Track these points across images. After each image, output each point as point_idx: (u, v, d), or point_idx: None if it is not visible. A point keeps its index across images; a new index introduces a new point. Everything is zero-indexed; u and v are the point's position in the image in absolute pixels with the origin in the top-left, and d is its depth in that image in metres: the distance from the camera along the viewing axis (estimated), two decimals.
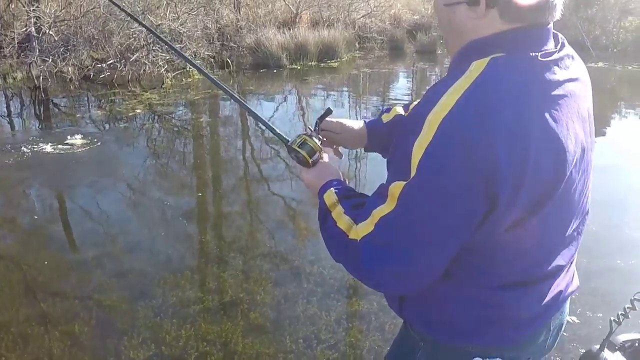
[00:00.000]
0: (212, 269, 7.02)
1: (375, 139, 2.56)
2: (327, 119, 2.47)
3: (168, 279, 6.68)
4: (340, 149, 2.63)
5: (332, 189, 2.12)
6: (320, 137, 2.37)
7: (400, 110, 2.57)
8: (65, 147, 11.69)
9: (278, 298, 6.26)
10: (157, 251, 7.41)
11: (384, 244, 1.79)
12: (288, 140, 2.34)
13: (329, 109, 2.47)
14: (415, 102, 2.53)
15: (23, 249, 7.79)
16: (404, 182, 1.73)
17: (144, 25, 3.14)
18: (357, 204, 2.02)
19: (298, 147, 2.27)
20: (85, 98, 16.67)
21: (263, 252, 7.23)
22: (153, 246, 7.54)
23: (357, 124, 2.58)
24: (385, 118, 2.58)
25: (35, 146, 11.75)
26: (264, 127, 12.28)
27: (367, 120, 2.61)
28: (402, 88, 17.48)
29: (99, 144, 11.82)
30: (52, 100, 16.79)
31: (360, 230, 1.87)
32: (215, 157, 11.06)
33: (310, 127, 2.43)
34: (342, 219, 1.99)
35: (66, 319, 6.08)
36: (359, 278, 1.95)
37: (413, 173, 1.71)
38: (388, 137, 2.37)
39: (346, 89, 16.76)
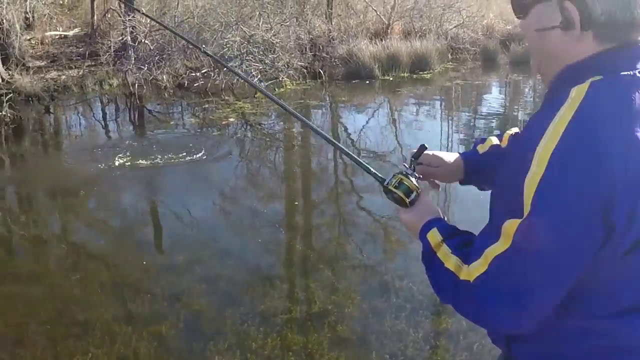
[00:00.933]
0: (300, 279, 7.03)
1: (473, 172, 2.49)
2: (426, 152, 2.41)
3: (257, 287, 6.71)
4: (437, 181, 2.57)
5: (435, 228, 2.05)
6: (417, 175, 2.30)
7: (495, 140, 2.50)
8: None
9: (366, 312, 6.19)
10: (247, 258, 7.45)
11: (500, 284, 1.73)
12: (384, 180, 2.26)
13: (423, 145, 2.39)
14: (510, 132, 2.46)
15: (115, 250, 7.98)
16: (519, 220, 1.67)
17: (197, 47, 3.12)
18: (464, 243, 1.95)
19: (394, 187, 2.20)
20: (179, 106, 17.01)
21: (352, 265, 7.18)
22: (242, 253, 7.59)
23: (453, 157, 2.51)
24: (482, 149, 2.51)
25: (129, 151, 12.03)
26: (355, 138, 12.46)
27: (462, 153, 2.55)
28: (495, 101, 17.21)
29: (187, 150, 12.03)
30: (146, 107, 17.19)
31: (472, 271, 1.81)
32: (305, 168, 11.09)
33: (405, 164, 2.37)
34: (450, 259, 1.92)
35: (154, 320, 6.19)
36: (472, 320, 1.89)
37: (527, 210, 1.64)
38: (485, 169, 2.35)
39: (438, 101, 16.61)
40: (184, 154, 11.61)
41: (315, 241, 8.00)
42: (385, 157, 11.16)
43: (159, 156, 11.49)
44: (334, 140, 2.65)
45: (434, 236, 2.03)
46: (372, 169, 2.41)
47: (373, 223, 8.52)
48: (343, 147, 2.59)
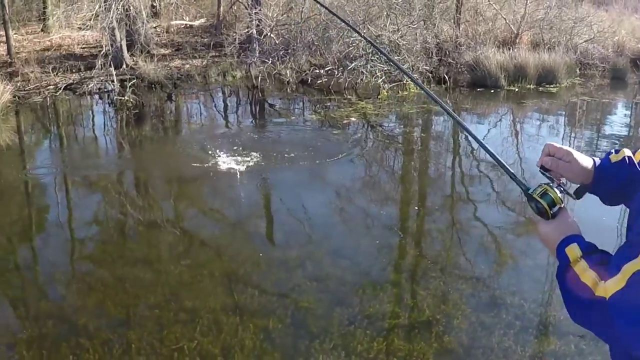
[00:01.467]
0: (411, 285, 7.04)
1: (602, 179, 2.43)
2: (557, 145, 2.36)
3: (367, 289, 6.77)
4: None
5: (575, 243, 2.01)
6: (562, 188, 2.25)
7: (628, 152, 2.44)
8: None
9: (474, 325, 6.15)
10: (359, 260, 7.51)
11: (638, 301, 1.68)
12: (529, 189, 2.20)
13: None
14: None
15: (227, 241, 8.19)
16: None
17: (369, 41, 3.09)
18: (602, 261, 1.91)
19: (539, 197, 2.15)
20: (301, 102, 17.24)
21: (464, 275, 7.13)
22: (355, 254, 7.65)
23: (586, 159, 2.46)
24: (614, 158, 2.45)
25: (248, 143, 12.31)
26: (475, 147, 12.31)
27: (595, 159, 2.49)
28: (620, 121, 16.66)
29: (307, 147, 12.20)
30: (267, 101, 17.49)
31: (609, 287, 1.76)
32: (423, 173, 11.07)
33: (545, 174, 2.32)
34: (587, 274, 1.87)
35: (261, 313, 6.34)
36: (605, 338, 1.86)
37: None
38: (615, 179, 2.27)
39: (563, 116, 16.24)
40: (302, 150, 11.78)
41: (428, 248, 7.98)
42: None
43: (278, 150, 11.70)
44: (482, 142, 2.58)
45: (573, 251, 2.00)
46: (517, 177, 2.38)
47: (487, 235, 8.44)
48: (490, 150, 2.52)
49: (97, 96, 17.21)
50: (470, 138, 13.32)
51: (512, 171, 2.39)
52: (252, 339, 5.89)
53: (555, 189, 2.15)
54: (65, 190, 10.45)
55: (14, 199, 9.94)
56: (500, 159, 2.43)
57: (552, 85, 17.97)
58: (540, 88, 17.65)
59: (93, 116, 16.20)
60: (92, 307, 6.52)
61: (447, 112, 2.67)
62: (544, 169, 2.27)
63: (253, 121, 15.69)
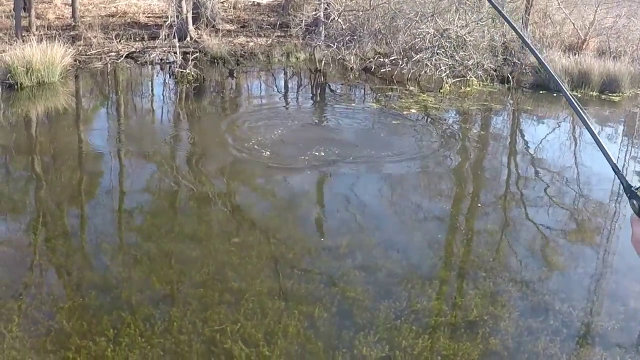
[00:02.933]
0: (460, 284, 7.01)
1: None
2: None
3: (416, 284, 6.76)
4: None
5: None
6: None
7: None
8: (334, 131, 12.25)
9: (522, 329, 6.11)
10: (409, 254, 7.50)
11: None
12: (631, 186, 2.07)
13: None
14: None
15: (278, 224, 8.21)
16: None
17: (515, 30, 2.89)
18: None
19: None
20: (362, 89, 17.20)
21: (513, 278, 7.07)
22: (406, 248, 7.65)
23: None
24: None
25: (306, 126, 12.37)
26: (533, 149, 12.18)
27: None
28: None
29: (366, 134, 12.22)
30: (329, 85, 17.49)
31: None
32: (478, 171, 10.98)
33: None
34: None
35: (307, 300, 6.37)
36: None
37: None
38: None
39: (622, 126, 15.95)
40: (360, 138, 11.80)
41: (479, 247, 7.91)
42: (561, 172, 10.86)
43: (335, 137, 11.73)
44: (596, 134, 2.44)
45: None
46: (621, 173, 2.28)
47: (539, 238, 8.35)
48: (601, 141, 2.39)
49: (158, 67, 17.41)
50: (528, 139, 13.32)
51: (617, 166, 2.26)
52: (296, 326, 5.93)
53: None
54: (118, 159, 10.61)
55: (67, 164, 10.14)
56: (608, 151, 2.30)
57: (614, 94, 17.62)
58: (603, 96, 17.34)
59: (152, 86, 16.39)
60: (137, 280, 6.62)
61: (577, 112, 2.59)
62: None
63: (313, 104, 15.72)
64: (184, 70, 16.22)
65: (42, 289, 6.39)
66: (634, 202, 2.03)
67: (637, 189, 2.03)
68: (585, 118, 2.62)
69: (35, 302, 6.13)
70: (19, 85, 13.61)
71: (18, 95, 13.48)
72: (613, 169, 2.21)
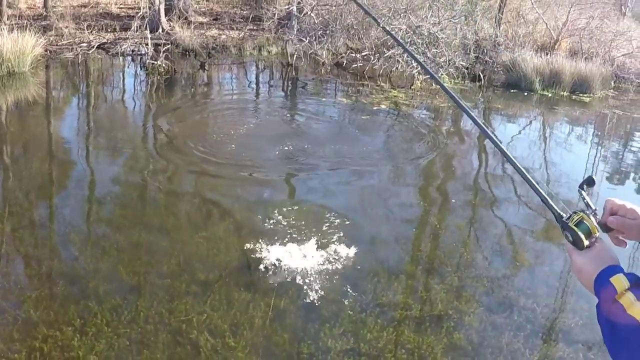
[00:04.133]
0: (426, 278, 7.07)
1: None
2: (619, 202, 2.20)
3: (382, 278, 6.81)
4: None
5: (621, 274, 1.89)
6: (597, 216, 2.13)
7: None
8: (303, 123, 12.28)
9: (485, 324, 6.19)
10: (376, 248, 7.55)
11: None
12: (562, 216, 2.06)
13: (591, 178, 2.22)
14: None
15: (246, 217, 8.18)
16: None
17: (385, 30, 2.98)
18: None
19: (575, 225, 2.01)
20: (334, 84, 17.24)
21: (479, 274, 7.15)
22: (373, 242, 7.69)
23: None
24: None
25: (276, 118, 12.42)
26: (502, 146, 12.14)
27: None
28: None
29: (336, 129, 12.28)
30: (300, 79, 17.50)
31: None
32: (447, 168, 11.05)
33: (586, 199, 2.19)
34: (634, 307, 1.78)
35: (274, 292, 6.37)
36: None
37: None
38: None
39: (592, 127, 16.14)
40: (329, 132, 11.86)
41: (446, 243, 7.99)
42: (529, 171, 10.89)
43: (305, 131, 11.78)
44: (513, 159, 2.42)
45: (620, 282, 1.87)
46: (550, 201, 2.25)
47: (505, 235, 8.45)
48: (521, 168, 2.36)
49: (129, 58, 17.31)
50: (498, 137, 13.39)
51: (546, 196, 2.24)
52: (262, 317, 5.95)
53: (592, 217, 2.02)
54: (87, 150, 10.52)
55: (36, 154, 10.04)
56: (532, 180, 2.27)
57: (585, 95, 17.83)
58: (574, 96, 17.54)
59: (123, 78, 16.29)
60: (104, 271, 6.59)
61: (474, 120, 2.59)
62: (606, 227, 2.08)
63: (284, 98, 15.74)
64: (155, 62, 16.17)
65: (9, 278, 6.34)
66: (567, 233, 2.04)
67: (567, 219, 2.03)
68: (497, 142, 2.59)
69: (2, 291, 6.08)
70: None
71: None
72: (542, 200, 2.25)
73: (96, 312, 5.81)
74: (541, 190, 2.28)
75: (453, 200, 9.52)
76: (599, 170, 11.76)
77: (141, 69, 16.58)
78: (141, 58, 16.88)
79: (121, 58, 17.19)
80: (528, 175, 2.31)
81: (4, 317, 5.70)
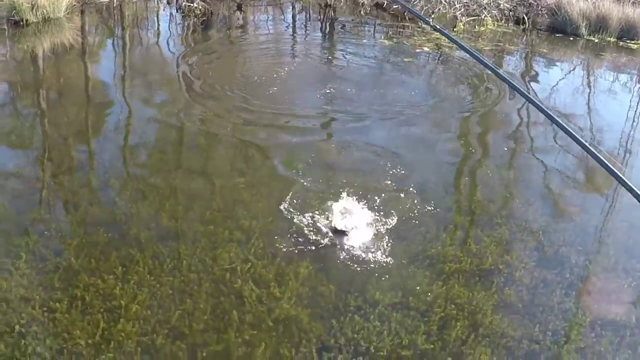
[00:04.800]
0: (475, 230, 6.83)
1: None
2: None
3: (430, 229, 6.64)
4: None
5: None
6: None
7: None
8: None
9: (537, 280, 6.00)
10: (424, 197, 7.28)
11: None
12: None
13: None
14: None
15: (290, 160, 8.01)
16: None
17: None
18: None
19: None
20: (373, 25, 16.82)
21: (529, 227, 6.90)
22: (421, 190, 7.41)
23: None
24: None
25: (311, 59, 12.18)
26: (545, 94, 11.88)
27: None
28: None
29: (378, 72, 12.01)
30: (338, 20, 17.13)
31: None
32: (489, 112, 10.69)
33: None
34: None
35: (319, 242, 6.22)
36: None
37: None
38: None
39: (638, 75, 15.65)
40: (372, 72, 11.61)
41: (495, 194, 7.73)
42: (572, 118, 10.57)
43: (345, 74, 11.53)
44: (549, 114, 2.23)
45: None
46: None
47: (558, 189, 8.12)
48: (566, 126, 2.18)
49: (165, 1, 17.03)
50: (541, 82, 13.06)
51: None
52: (307, 268, 5.83)
53: None
54: (124, 94, 10.36)
55: (74, 100, 9.92)
56: (583, 141, 2.10)
57: (633, 41, 17.26)
58: (621, 42, 16.96)
59: (159, 21, 16.01)
60: (145, 216, 6.49)
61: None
62: None
63: (323, 39, 15.43)
64: (191, 4, 15.87)
65: (49, 225, 6.24)
66: None
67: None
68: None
69: (43, 238, 6.00)
70: (24, 21, 13.21)
71: (24, 31, 13.12)
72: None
73: (138, 260, 5.72)
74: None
75: (505, 149, 9.26)
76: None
77: (177, 11, 16.29)
78: (177, 0, 16.57)
79: (156, 1, 16.93)
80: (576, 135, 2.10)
81: (45, 265, 5.61)
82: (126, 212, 6.56)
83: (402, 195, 7.24)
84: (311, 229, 6.39)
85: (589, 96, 12.62)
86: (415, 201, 7.14)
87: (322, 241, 6.21)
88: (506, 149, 9.29)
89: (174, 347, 4.87)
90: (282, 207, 6.75)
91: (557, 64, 15.23)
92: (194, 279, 5.57)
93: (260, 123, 9.20)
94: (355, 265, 5.91)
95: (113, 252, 5.82)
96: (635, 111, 11.83)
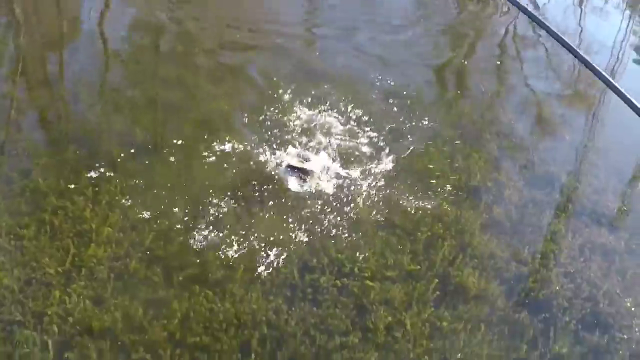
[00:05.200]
0: (463, 144, 6.48)
1: None
2: None
3: (417, 142, 6.37)
4: None
5: None
6: None
7: None
8: None
9: (526, 200, 5.79)
10: (412, 107, 6.95)
11: None
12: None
13: None
14: None
15: (269, 71, 7.58)
16: None
17: None
18: None
19: None
20: None
21: (518, 144, 6.67)
22: (409, 101, 7.09)
23: None
24: None
25: None
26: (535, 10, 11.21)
27: None
28: None
29: None
30: None
31: None
32: (480, 25, 10.21)
33: None
34: None
35: (299, 142, 5.95)
36: None
37: None
38: None
39: None
40: None
41: (485, 109, 7.41)
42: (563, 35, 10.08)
43: None
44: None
45: None
46: None
47: (548, 106, 7.77)
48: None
49: None
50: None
51: None
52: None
53: None
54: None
55: (47, 10, 9.11)
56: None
57: None
58: None
59: None
60: (118, 131, 6.09)
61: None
62: None
63: None
64: None
65: (17, 144, 5.80)
66: None
67: None
68: None
69: (11, 159, 5.61)
70: None
71: None
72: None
73: (110, 179, 5.38)
74: None
75: (497, 62, 8.82)
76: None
77: None
78: None
79: None
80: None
81: (11, 188, 5.25)
82: (98, 127, 6.18)
83: (386, 107, 6.93)
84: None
85: (580, 15, 12.15)
86: (402, 112, 6.84)
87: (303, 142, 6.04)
88: (498, 62, 8.85)
89: (149, 272, 4.62)
90: (260, 118, 6.44)
91: None
92: (170, 199, 5.28)
93: (240, 30, 8.61)
94: (339, 180, 5.68)
95: (84, 171, 5.44)
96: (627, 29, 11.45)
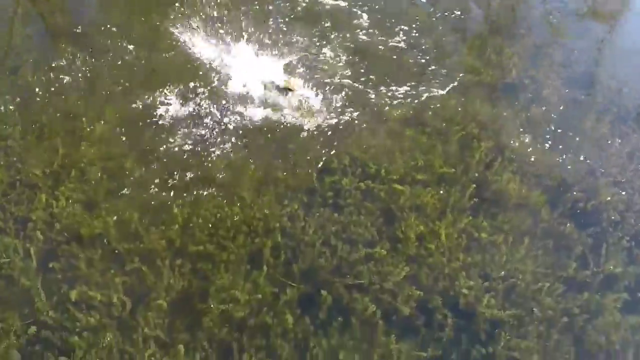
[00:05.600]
0: (494, 37, 5.82)
1: None
2: None
3: (446, 32, 5.70)
4: None
5: None
6: None
7: None
8: None
9: (566, 100, 5.19)
10: None
11: None
12: None
13: None
14: None
15: None
16: None
17: None
18: None
19: None
20: None
21: (555, 41, 5.90)
22: None
23: None
24: None
25: None
26: None
27: None
28: None
29: None
30: None
31: None
32: None
33: None
34: None
35: None
36: None
37: None
38: None
39: None
40: None
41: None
42: None
43: None
44: None
45: None
46: None
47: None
48: None
49: None
50: None
51: None
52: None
53: None
54: None
55: None
56: None
57: None
58: None
59: None
60: None
61: None
62: None
63: None
64: None
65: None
66: None
67: None
68: None
69: None
70: None
71: None
72: None
73: None
74: None
75: None
76: None
77: None
78: None
79: None
80: None
81: None
82: None
83: None
84: None
85: None
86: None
87: None
88: None
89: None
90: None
91: None
92: None
93: None
94: None
95: None
96: None
